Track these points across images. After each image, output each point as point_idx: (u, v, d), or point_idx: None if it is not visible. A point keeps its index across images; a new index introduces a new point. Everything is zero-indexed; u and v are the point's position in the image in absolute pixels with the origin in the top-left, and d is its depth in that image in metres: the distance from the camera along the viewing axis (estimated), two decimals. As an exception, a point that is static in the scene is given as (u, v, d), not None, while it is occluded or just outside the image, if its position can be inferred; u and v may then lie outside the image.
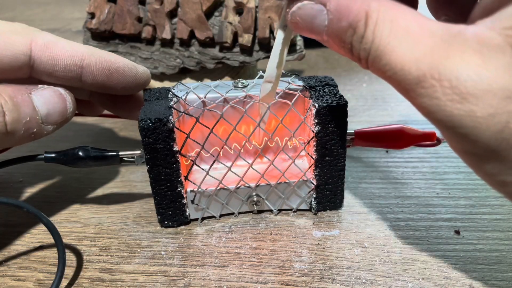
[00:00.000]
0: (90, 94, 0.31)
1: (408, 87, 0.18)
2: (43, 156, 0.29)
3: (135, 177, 0.36)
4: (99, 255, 0.29)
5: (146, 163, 0.28)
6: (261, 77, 0.31)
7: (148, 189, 0.34)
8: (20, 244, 0.30)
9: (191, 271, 0.27)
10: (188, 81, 0.44)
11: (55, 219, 0.32)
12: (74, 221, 0.32)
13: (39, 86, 0.27)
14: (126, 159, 0.30)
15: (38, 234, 0.31)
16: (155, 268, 0.27)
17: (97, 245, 0.29)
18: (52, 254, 0.29)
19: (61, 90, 0.27)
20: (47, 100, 0.26)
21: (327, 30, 0.20)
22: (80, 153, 0.29)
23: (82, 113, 0.34)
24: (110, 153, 0.30)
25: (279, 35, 0.25)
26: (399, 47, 0.18)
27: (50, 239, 0.30)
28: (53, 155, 0.29)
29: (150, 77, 0.30)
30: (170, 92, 0.30)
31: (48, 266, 0.28)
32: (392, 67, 0.18)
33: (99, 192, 0.35)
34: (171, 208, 0.30)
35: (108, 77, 0.28)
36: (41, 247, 0.29)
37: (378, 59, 0.19)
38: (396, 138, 0.31)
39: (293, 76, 0.31)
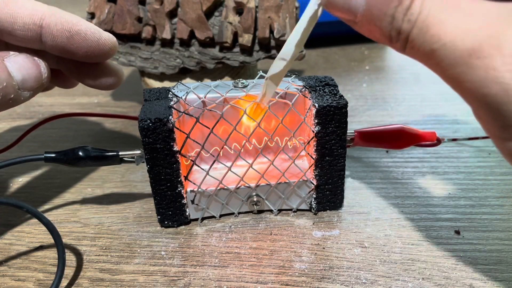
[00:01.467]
0: (57, 61, 0.30)
1: (458, 60, 0.17)
2: (43, 156, 0.29)
3: (135, 177, 0.36)
4: (99, 255, 0.29)
5: (146, 163, 0.28)
6: (261, 77, 0.31)
7: (148, 189, 0.34)
8: (20, 244, 0.30)
9: (191, 271, 0.27)
10: (188, 81, 0.44)
11: (55, 219, 0.32)
12: (74, 221, 0.32)
13: (11, 52, 0.26)
14: (126, 159, 0.30)
15: (38, 234, 0.31)
16: (155, 268, 0.27)
17: (97, 245, 0.29)
18: (52, 254, 0.29)
19: (34, 56, 0.27)
20: (21, 66, 0.26)
21: (367, 4, 0.20)
22: (80, 153, 0.29)
23: (57, 85, 0.33)
24: (110, 153, 0.30)
25: (308, 12, 0.24)
26: (449, 19, 0.17)
27: (50, 239, 0.30)
28: (53, 155, 0.29)
29: (117, 46, 0.29)
30: (170, 92, 0.30)
31: (48, 266, 0.28)
32: (440, 38, 0.17)
33: (99, 192, 0.35)
34: (171, 208, 0.30)
35: (68, 40, 0.27)
36: (41, 247, 0.29)
37: (424, 31, 0.18)
38: (396, 138, 0.31)
39: (293, 76, 0.31)
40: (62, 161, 0.29)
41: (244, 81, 0.30)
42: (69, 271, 0.27)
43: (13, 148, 0.35)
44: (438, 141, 0.32)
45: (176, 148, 0.28)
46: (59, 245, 0.25)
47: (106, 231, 0.31)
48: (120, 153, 0.30)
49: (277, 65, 0.26)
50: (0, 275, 0.27)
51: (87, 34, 0.27)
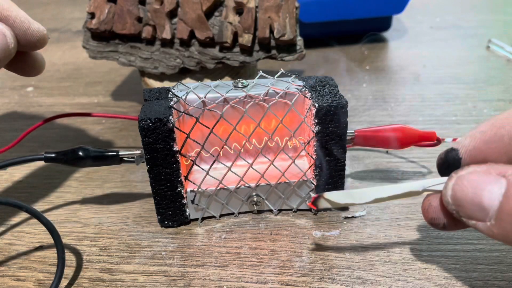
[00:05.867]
0: None
1: None
2: (43, 156, 0.29)
3: (135, 177, 0.36)
4: (99, 255, 0.29)
5: (146, 163, 0.28)
6: (262, 77, 0.31)
7: (148, 189, 0.34)
8: (20, 244, 0.30)
9: (191, 271, 0.27)
10: (188, 81, 0.44)
11: (55, 219, 0.32)
12: (74, 221, 0.32)
13: None
14: (126, 159, 0.30)
15: (38, 234, 0.31)
16: (155, 268, 0.27)
17: (97, 245, 0.29)
18: (52, 254, 0.29)
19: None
20: None
21: (503, 205, 0.17)
22: (80, 153, 0.29)
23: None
24: (110, 153, 0.30)
25: (408, 187, 0.23)
26: None
27: (50, 239, 0.30)
28: (53, 155, 0.29)
29: (46, 39, 0.28)
30: (170, 92, 0.30)
31: (48, 266, 0.28)
32: None
33: (99, 192, 0.35)
34: (171, 208, 0.30)
35: None
36: (41, 247, 0.29)
37: None
38: (396, 138, 0.31)
39: (293, 76, 0.31)
40: (62, 161, 0.29)
41: (244, 81, 0.30)
42: (69, 271, 0.27)
43: (13, 148, 0.35)
44: (438, 141, 0.32)
45: (176, 148, 0.28)
46: (59, 245, 0.25)
47: (106, 231, 0.31)
48: (120, 153, 0.30)
49: (342, 198, 0.24)
50: (0, 275, 0.27)
51: (15, 21, 0.26)
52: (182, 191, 0.29)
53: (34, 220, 0.32)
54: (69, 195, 0.35)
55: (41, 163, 0.38)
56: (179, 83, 0.31)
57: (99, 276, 0.27)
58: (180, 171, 0.29)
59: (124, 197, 0.34)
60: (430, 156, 0.38)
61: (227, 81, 0.31)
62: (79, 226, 0.31)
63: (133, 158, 0.30)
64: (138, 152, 0.29)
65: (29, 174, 0.37)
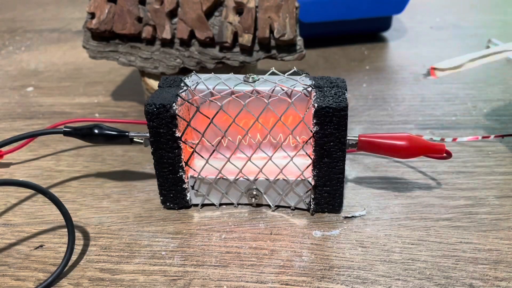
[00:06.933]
0: None
1: None
2: (62, 130, 0.32)
3: (135, 177, 0.36)
4: (99, 255, 0.29)
5: (151, 146, 0.29)
6: (273, 73, 0.31)
7: (148, 189, 0.34)
8: (20, 244, 0.30)
9: (191, 271, 0.27)
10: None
11: (55, 219, 0.32)
12: (74, 221, 0.32)
13: None
14: (136, 140, 0.32)
15: (38, 234, 0.31)
16: (155, 268, 0.27)
17: (97, 245, 0.29)
18: (52, 254, 0.29)
19: None
20: None
21: None
22: (95, 131, 0.31)
23: None
24: (120, 133, 0.32)
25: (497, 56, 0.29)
26: None
27: (50, 239, 0.30)
28: (70, 130, 0.32)
29: None
30: (183, 82, 0.31)
31: (48, 266, 0.28)
32: None
33: (99, 192, 0.35)
34: (172, 191, 0.31)
35: None
36: (41, 247, 0.29)
37: None
38: (403, 148, 0.30)
39: (304, 74, 0.31)
40: (77, 135, 0.32)
41: (254, 76, 0.31)
42: (69, 271, 0.27)
43: (11, 147, 0.35)
44: (448, 155, 0.31)
45: (178, 134, 0.29)
46: (68, 221, 0.27)
47: (106, 231, 0.31)
48: (130, 133, 0.32)
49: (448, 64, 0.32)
50: (0, 275, 0.27)
51: None
52: (184, 176, 0.30)
53: (35, 220, 0.32)
54: (69, 195, 0.35)
55: (41, 164, 0.39)
56: (193, 73, 0.32)
57: (99, 275, 0.27)
58: (182, 157, 0.30)
59: (124, 197, 0.34)
60: (430, 156, 0.38)
61: (239, 75, 0.31)
62: (79, 226, 0.31)
63: (141, 139, 0.32)
64: (147, 134, 0.30)
65: (29, 174, 0.37)
